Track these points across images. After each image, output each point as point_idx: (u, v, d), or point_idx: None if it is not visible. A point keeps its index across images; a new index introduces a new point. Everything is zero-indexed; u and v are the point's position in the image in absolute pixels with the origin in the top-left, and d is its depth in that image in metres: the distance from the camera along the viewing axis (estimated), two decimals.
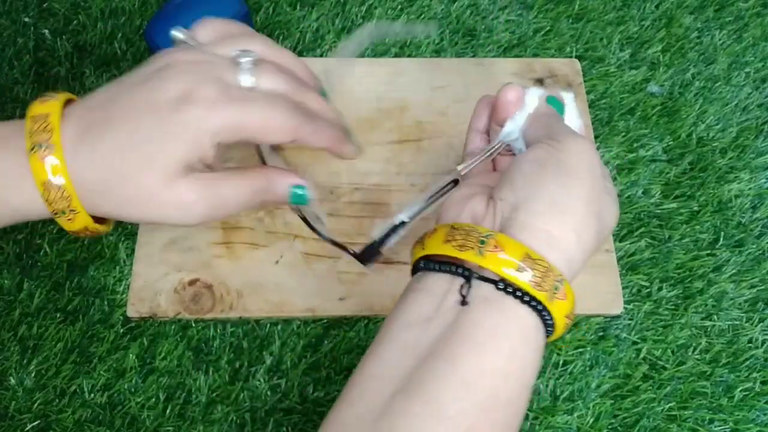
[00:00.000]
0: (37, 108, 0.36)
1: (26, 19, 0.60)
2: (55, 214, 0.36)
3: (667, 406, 0.47)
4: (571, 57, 0.61)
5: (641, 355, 0.49)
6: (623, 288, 0.51)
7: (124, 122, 0.36)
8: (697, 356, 0.49)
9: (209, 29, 0.40)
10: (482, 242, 0.31)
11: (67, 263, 0.50)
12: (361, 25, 0.62)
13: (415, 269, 0.35)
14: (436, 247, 0.33)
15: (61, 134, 0.35)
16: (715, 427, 0.47)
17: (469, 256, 0.31)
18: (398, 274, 0.50)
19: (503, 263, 0.30)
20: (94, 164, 0.35)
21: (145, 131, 0.35)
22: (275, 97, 0.38)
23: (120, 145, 0.35)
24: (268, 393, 0.47)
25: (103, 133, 0.36)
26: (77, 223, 0.37)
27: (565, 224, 0.32)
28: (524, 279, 0.30)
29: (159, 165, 0.35)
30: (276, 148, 0.46)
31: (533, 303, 0.31)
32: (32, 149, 0.35)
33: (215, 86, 0.36)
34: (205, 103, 0.35)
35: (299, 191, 0.40)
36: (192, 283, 0.49)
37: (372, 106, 0.57)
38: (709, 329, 0.50)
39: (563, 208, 0.32)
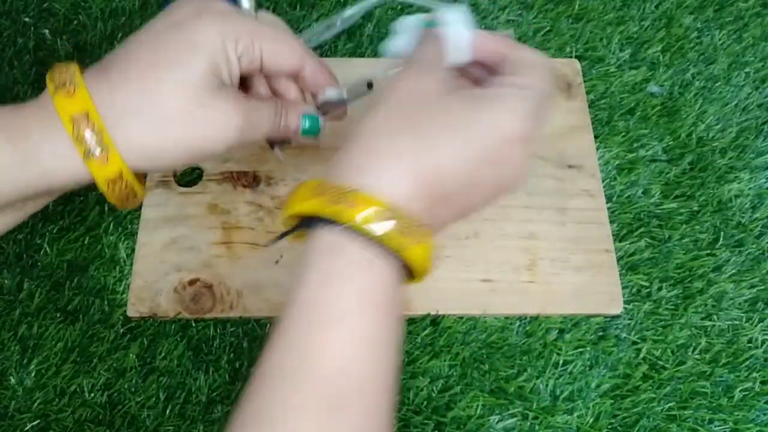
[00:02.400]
0: (56, 67, 0.38)
1: (26, 19, 0.60)
2: (87, 156, 0.35)
3: (667, 406, 0.47)
4: (571, 57, 0.61)
5: (641, 355, 0.49)
6: (623, 288, 0.51)
7: (147, 44, 0.37)
8: (697, 356, 0.49)
9: None
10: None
11: (67, 263, 0.50)
12: (362, 25, 0.62)
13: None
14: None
15: (84, 76, 0.37)
16: (715, 427, 0.47)
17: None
18: None
19: (300, 201, 0.34)
20: (125, 83, 0.37)
21: (170, 43, 0.37)
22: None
23: (146, 60, 0.37)
24: None
25: (127, 58, 0.37)
26: (112, 165, 0.36)
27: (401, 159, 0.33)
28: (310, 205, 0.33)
29: (191, 74, 0.37)
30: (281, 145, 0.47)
31: (323, 221, 0.33)
32: (55, 90, 0.36)
33: (226, 6, 0.39)
34: (222, 13, 0.38)
35: (311, 120, 0.42)
36: (192, 283, 0.49)
37: None
38: (709, 329, 0.50)
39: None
